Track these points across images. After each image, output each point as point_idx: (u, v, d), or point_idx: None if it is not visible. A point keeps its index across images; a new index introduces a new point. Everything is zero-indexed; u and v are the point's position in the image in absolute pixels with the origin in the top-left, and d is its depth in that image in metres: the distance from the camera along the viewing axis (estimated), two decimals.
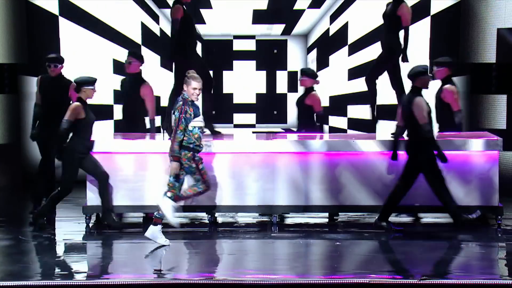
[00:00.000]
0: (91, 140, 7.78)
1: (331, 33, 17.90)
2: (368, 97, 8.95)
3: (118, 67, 14.27)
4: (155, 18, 17.94)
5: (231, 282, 5.73)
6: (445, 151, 7.82)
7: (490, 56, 10.38)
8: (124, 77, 9.15)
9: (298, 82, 9.37)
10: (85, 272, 6.31)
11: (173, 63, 8.71)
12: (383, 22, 8.71)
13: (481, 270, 6.43)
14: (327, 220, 8.41)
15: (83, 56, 12.12)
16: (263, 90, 22.45)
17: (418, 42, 11.83)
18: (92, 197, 8.07)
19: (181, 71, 7.90)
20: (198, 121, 6.95)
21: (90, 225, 8.08)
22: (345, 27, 16.20)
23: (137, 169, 8.12)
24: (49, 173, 8.46)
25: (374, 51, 13.73)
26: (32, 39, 10.61)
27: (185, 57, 8.41)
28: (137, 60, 8.85)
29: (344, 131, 14.42)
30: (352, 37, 15.49)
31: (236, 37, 21.92)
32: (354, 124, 13.85)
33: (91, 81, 7.65)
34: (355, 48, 15.05)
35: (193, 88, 6.86)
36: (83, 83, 7.61)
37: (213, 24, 19.83)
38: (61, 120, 7.54)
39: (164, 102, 9.43)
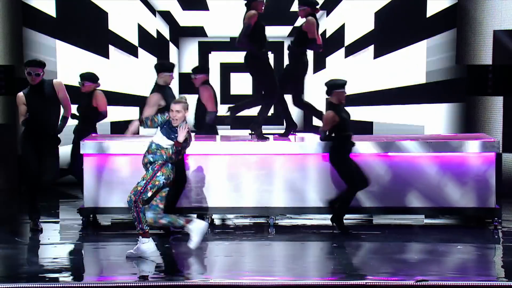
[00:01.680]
0: None
1: (327, 34, 17.91)
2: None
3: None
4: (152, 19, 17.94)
5: (227, 284, 5.74)
6: (442, 152, 7.87)
7: (487, 57, 10.41)
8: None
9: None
10: (82, 274, 6.32)
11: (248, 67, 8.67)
12: (295, 34, 8.87)
13: (478, 271, 6.46)
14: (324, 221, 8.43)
15: (79, 59, 12.13)
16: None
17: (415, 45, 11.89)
18: (89, 198, 8.08)
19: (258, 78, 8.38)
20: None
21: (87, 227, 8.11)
22: (341, 29, 16.20)
23: (134, 170, 8.13)
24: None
25: (371, 52, 13.76)
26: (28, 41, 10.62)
27: (257, 64, 8.44)
28: (90, 81, 8.87)
29: None
30: (349, 39, 15.49)
31: (233, 39, 21.95)
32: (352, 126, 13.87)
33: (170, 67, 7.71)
34: (352, 49, 15.05)
35: (171, 110, 6.69)
36: None
37: (210, 26, 19.86)
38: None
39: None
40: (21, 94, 7.68)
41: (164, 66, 7.94)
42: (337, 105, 7.70)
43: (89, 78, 8.93)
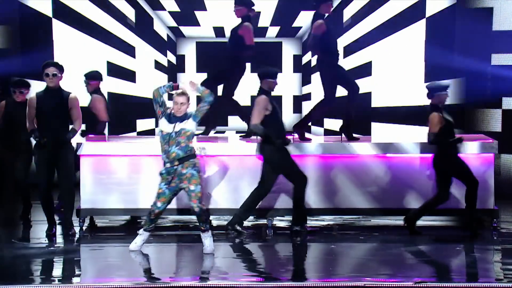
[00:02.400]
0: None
1: None
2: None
3: (112, 69, 14.30)
4: (150, 20, 17.95)
5: (225, 285, 5.74)
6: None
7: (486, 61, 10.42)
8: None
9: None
10: (79, 276, 6.32)
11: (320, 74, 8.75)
12: (230, 36, 8.89)
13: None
14: (324, 222, 8.43)
15: (76, 58, 12.14)
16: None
17: (413, 44, 11.91)
18: (86, 200, 8.08)
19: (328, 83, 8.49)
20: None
21: (84, 228, 8.10)
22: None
23: (131, 172, 8.14)
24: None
25: (369, 52, 13.80)
26: (25, 43, 10.58)
27: (327, 70, 8.54)
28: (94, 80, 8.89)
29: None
30: (347, 40, 15.51)
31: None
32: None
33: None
34: (350, 51, 15.08)
35: (175, 103, 6.78)
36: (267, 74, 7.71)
37: (207, 26, 19.86)
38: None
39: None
40: (34, 96, 7.61)
41: (268, 72, 7.88)
42: (439, 107, 7.64)
43: (93, 76, 8.91)
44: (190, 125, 6.74)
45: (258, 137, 7.82)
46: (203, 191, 6.86)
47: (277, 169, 7.75)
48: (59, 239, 7.59)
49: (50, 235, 7.62)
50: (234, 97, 9.09)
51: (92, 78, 8.90)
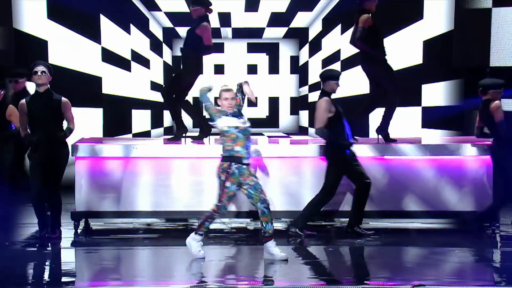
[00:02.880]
0: None
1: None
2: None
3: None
4: (145, 20, 17.93)
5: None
6: (439, 155, 7.90)
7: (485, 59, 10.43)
8: None
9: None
10: (73, 280, 6.30)
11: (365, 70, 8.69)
12: (187, 36, 8.78)
13: (475, 276, 6.47)
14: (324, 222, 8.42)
15: (70, 57, 12.11)
16: (255, 93, 22.53)
17: (411, 44, 11.91)
18: (81, 202, 8.06)
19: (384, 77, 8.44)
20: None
21: (79, 231, 8.09)
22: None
23: (127, 174, 8.12)
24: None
25: None
26: (19, 41, 10.55)
27: (376, 67, 8.49)
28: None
29: None
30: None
31: (226, 38, 21.97)
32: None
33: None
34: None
35: (225, 99, 6.70)
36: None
37: None
38: None
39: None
40: (23, 102, 7.55)
41: (332, 75, 7.84)
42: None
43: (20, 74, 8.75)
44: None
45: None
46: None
47: (341, 171, 7.73)
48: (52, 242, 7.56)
49: (42, 238, 7.60)
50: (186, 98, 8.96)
51: (20, 75, 8.74)
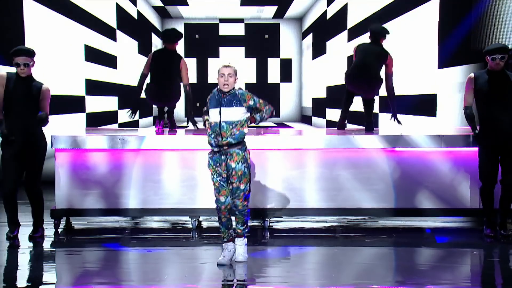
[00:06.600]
0: None
1: (328, 16, 17.94)
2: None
3: (90, 53, 14.26)
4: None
5: None
6: (456, 147, 7.90)
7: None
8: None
9: None
10: (53, 283, 6.30)
11: None
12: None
13: (474, 276, 6.53)
14: (324, 224, 8.44)
15: (51, 41, 12.10)
16: (253, 79, 22.56)
17: (426, 25, 11.90)
18: (61, 198, 8.06)
19: None
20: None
21: (59, 230, 8.07)
22: (344, 10, 16.23)
23: (112, 168, 8.11)
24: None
25: None
26: None
27: None
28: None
29: None
30: (352, 21, 15.51)
31: (222, 20, 21.99)
32: (354, 117, 13.92)
33: None
34: (355, 33, 15.08)
35: (222, 75, 6.62)
36: None
37: (197, 6, 19.83)
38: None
39: None
40: (4, 74, 7.51)
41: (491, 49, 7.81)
42: None
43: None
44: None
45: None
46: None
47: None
48: (25, 243, 7.55)
49: (12, 237, 7.58)
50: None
51: None
